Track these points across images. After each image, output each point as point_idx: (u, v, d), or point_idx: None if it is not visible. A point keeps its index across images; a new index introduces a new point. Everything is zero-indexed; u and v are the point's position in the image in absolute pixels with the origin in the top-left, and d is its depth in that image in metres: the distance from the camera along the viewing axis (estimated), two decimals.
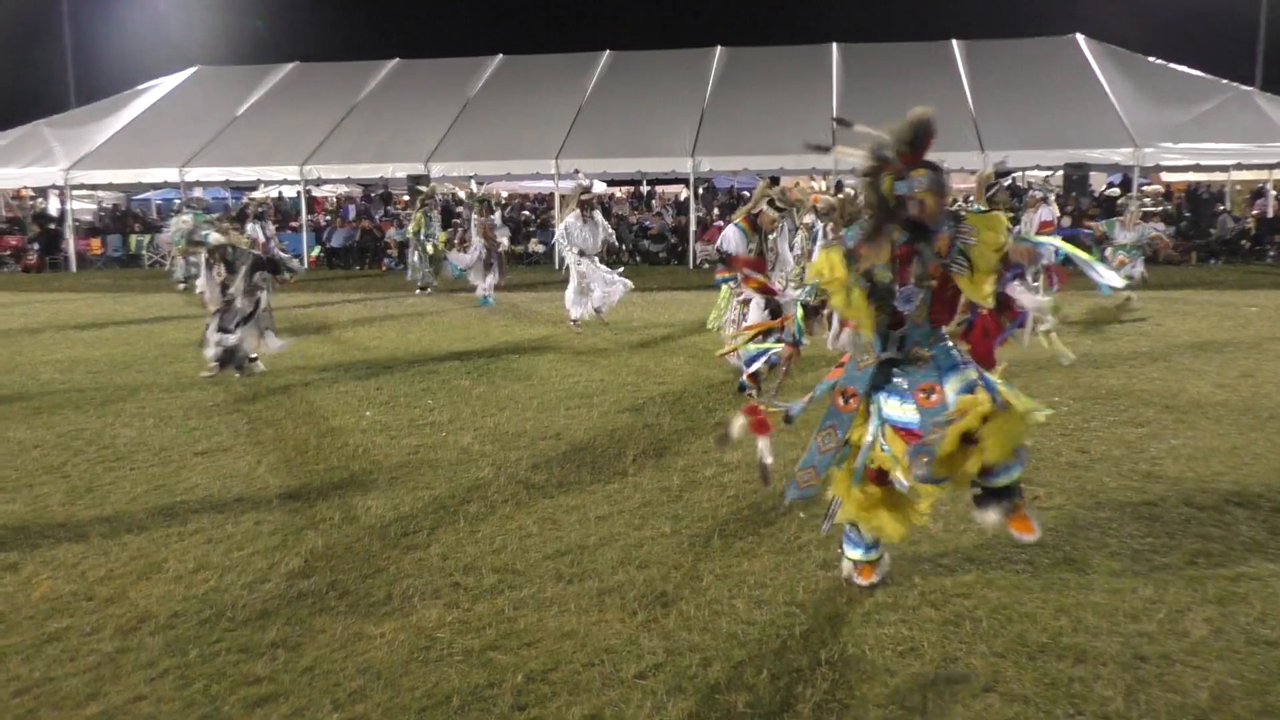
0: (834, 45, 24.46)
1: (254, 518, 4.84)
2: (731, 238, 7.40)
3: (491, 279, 14.26)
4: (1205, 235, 21.20)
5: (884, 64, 23.63)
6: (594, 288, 11.07)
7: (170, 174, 22.99)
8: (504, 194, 29.22)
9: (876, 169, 3.48)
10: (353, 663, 3.34)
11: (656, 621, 3.61)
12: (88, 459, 5.99)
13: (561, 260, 11.70)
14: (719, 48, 25.05)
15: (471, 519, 4.76)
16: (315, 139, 22.92)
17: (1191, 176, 25.08)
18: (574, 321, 11.09)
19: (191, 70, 27.32)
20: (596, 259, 11.24)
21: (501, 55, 26.14)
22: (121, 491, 5.32)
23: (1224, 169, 23.14)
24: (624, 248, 21.53)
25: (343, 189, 29.62)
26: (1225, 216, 21.93)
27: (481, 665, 3.30)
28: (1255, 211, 23.44)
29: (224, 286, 8.44)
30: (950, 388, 3.49)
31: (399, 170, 22.07)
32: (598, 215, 11.43)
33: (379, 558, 4.28)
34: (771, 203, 7.26)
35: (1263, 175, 24.67)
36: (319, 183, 24.65)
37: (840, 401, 3.71)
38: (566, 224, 11.14)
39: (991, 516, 3.62)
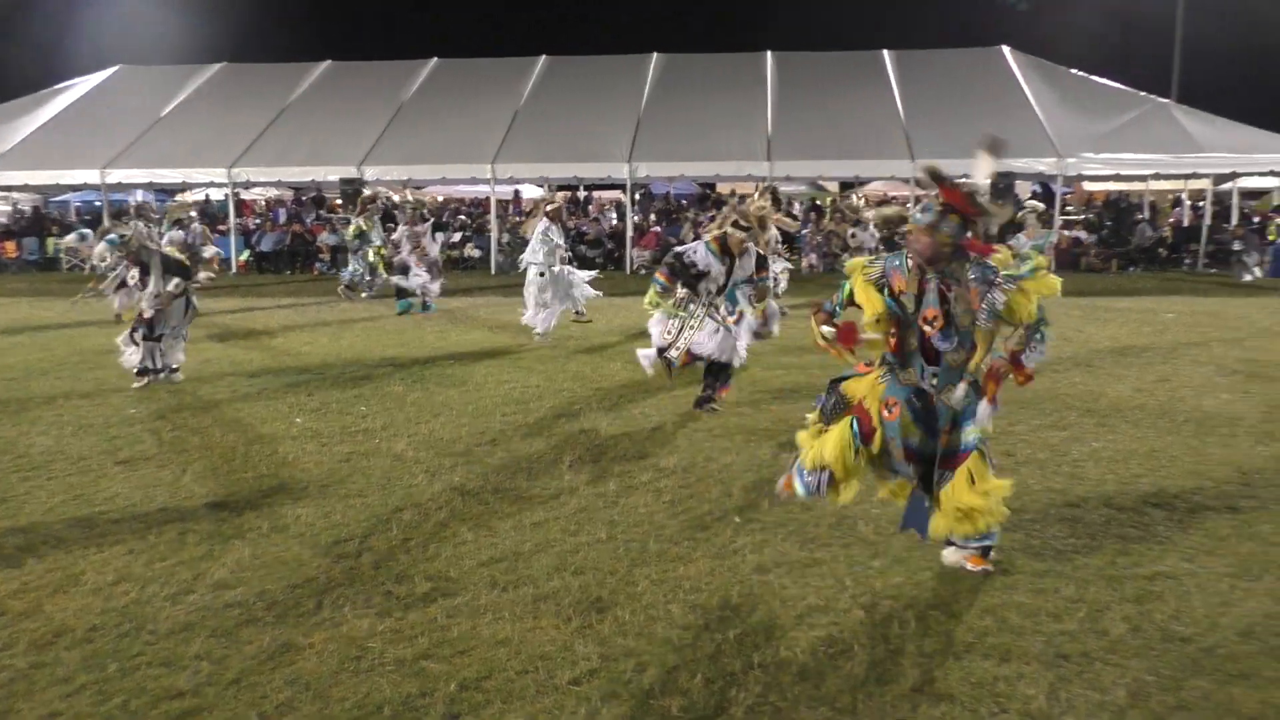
0: (768, 54, 24.73)
1: (178, 528, 4.72)
2: (700, 254, 6.93)
3: (436, 286, 14.02)
4: (1125, 244, 21.87)
5: (817, 73, 23.98)
6: (572, 292, 11.16)
7: (91, 175, 22.30)
8: (439, 198, 29.02)
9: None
10: (280, 674, 3.27)
11: (591, 627, 3.60)
12: (0, 468, 5.78)
13: (514, 266, 11.56)
14: (655, 54, 25.15)
15: (404, 527, 4.70)
16: (244, 141, 22.46)
17: (1112, 186, 25.87)
18: (540, 335, 10.93)
19: (112, 70, 26.55)
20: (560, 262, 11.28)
21: (436, 59, 25.91)
22: (37, 502, 5.14)
23: (1143, 179, 23.91)
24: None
25: (273, 192, 29.09)
26: (1144, 225, 22.66)
27: (414, 674, 3.26)
28: (1172, 220, 24.25)
29: (143, 289, 8.17)
30: (964, 433, 3.91)
31: (331, 173, 21.74)
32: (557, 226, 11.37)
33: (309, 567, 4.20)
34: (736, 224, 6.88)
35: (1179, 185, 25.57)
36: (247, 185, 24.19)
37: (886, 413, 3.98)
38: (548, 230, 10.98)
39: (953, 558, 4.08)
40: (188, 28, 37.33)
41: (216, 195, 27.00)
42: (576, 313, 11.76)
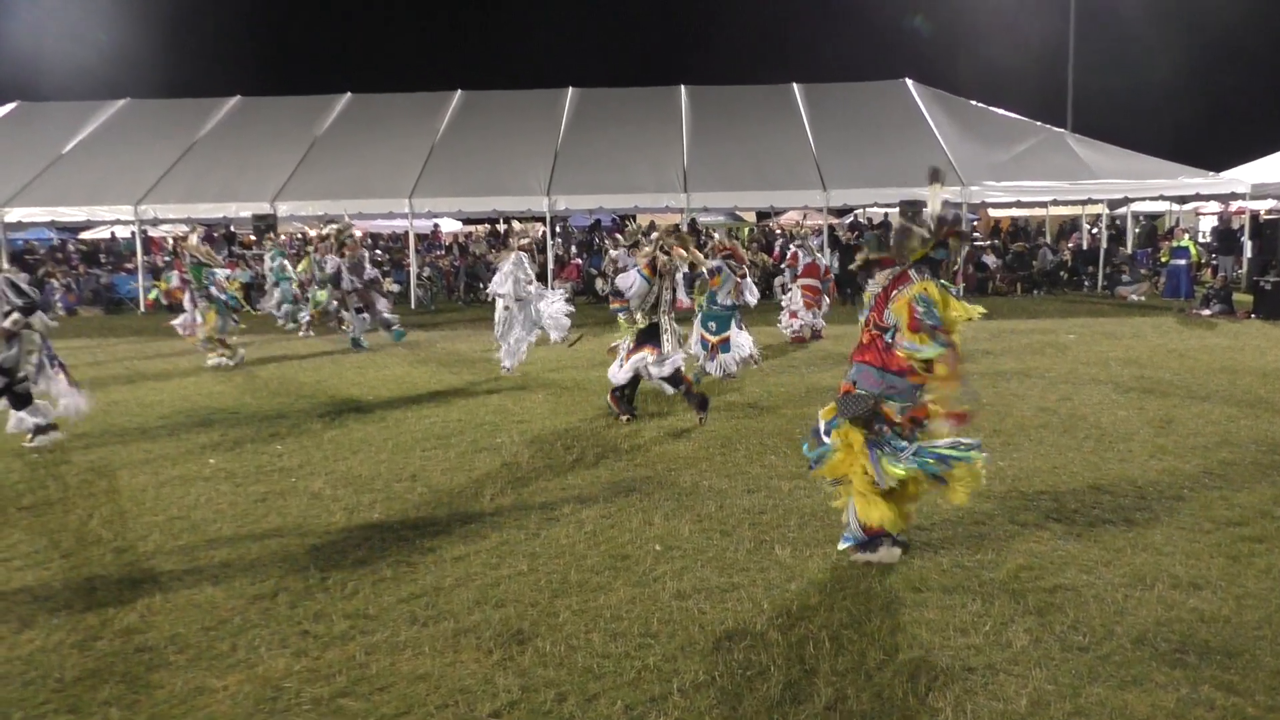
0: (682, 87, 25.15)
1: (85, 573, 4.60)
2: (634, 281, 7.75)
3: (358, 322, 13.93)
4: (1029, 267, 22.68)
5: (730, 105, 24.46)
6: (543, 321, 10.90)
7: None
8: (359, 232, 28.65)
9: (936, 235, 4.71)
10: (193, 718, 3.21)
11: (512, 659, 3.61)
12: None
13: (433, 300, 11.19)
14: (570, 89, 25.36)
15: (322, 565, 4.65)
16: (151, 177, 21.92)
17: (1015, 212, 26.81)
18: (507, 367, 10.75)
19: (10, 106, 25.71)
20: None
21: (349, 94, 25.71)
22: None
23: (1042, 205, 24.85)
24: (482, 285, 21.41)
25: (182, 229, 28.40)
26: (1045, 250, 23.55)
27: (331, 713, 3.24)
28: (1070, 245, 25.25)
29: None
30: None
31: (244, 209, 21.35)
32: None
33: (222, 608, 4.13)
34: (664, 249, 7.75)
35: (1075, 210, 26.65)
36: (155, 222, 23.55)
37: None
38: (515, 264, 10.67)
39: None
40: (89, 64, 36.45)
41: (123, 233, 26.25)
42: (562, 338, 10.99)
